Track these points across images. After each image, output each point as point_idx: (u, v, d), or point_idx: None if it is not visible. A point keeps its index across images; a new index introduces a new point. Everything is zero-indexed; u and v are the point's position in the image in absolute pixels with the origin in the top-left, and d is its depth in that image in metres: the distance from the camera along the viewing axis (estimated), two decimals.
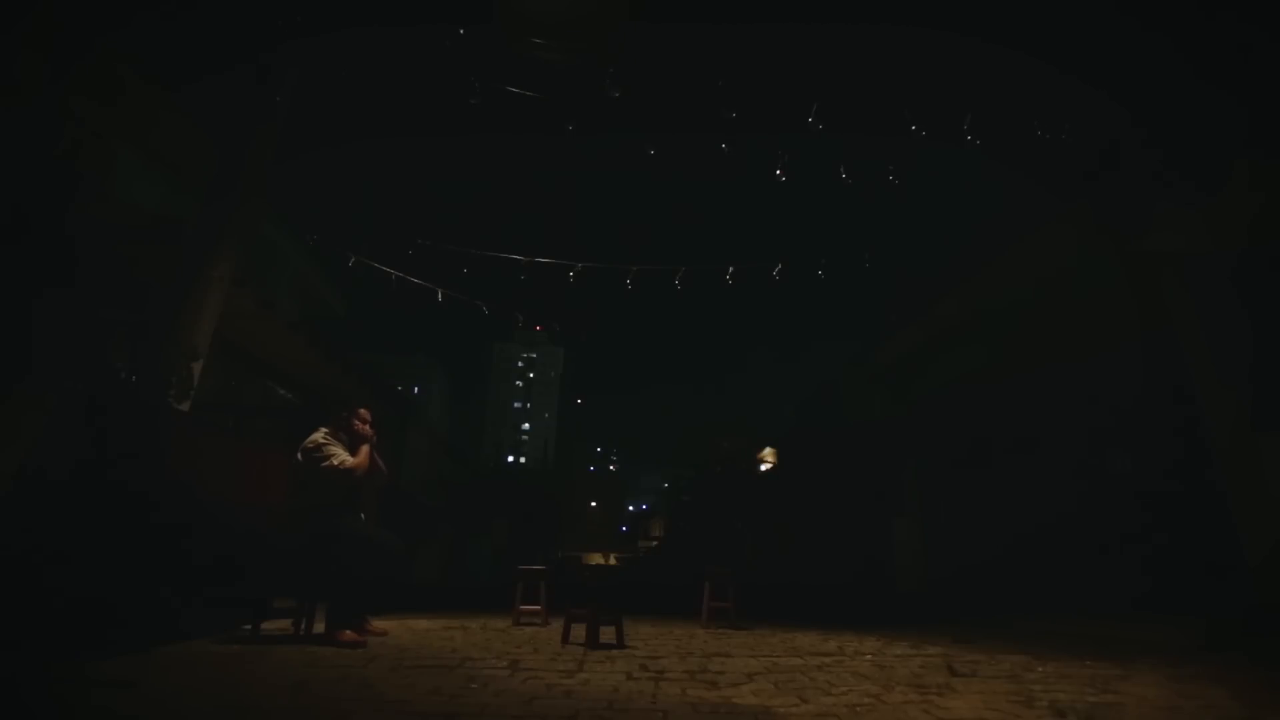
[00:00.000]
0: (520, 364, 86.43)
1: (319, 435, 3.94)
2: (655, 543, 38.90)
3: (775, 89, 5.70)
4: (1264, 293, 4.75)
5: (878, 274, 7.97)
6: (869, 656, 3.51)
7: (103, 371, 3.80)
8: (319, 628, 3.69)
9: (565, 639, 3.94)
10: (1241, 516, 4.63)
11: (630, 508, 61.23)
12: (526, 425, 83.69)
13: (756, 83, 5.69)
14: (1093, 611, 5.48)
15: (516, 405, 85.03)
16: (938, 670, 3.01)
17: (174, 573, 3.35)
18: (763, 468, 17.46)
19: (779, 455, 16.98)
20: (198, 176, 5.21)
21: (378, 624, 4.01)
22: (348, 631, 3.47)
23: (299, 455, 3.87)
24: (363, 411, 4.18)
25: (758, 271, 7.73)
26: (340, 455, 3.87)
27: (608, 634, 3.87)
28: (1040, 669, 3.07)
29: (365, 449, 4.03)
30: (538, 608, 5.17)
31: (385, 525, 4.43)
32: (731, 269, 7.67)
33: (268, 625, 3.85)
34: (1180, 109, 5.10)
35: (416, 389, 47.04)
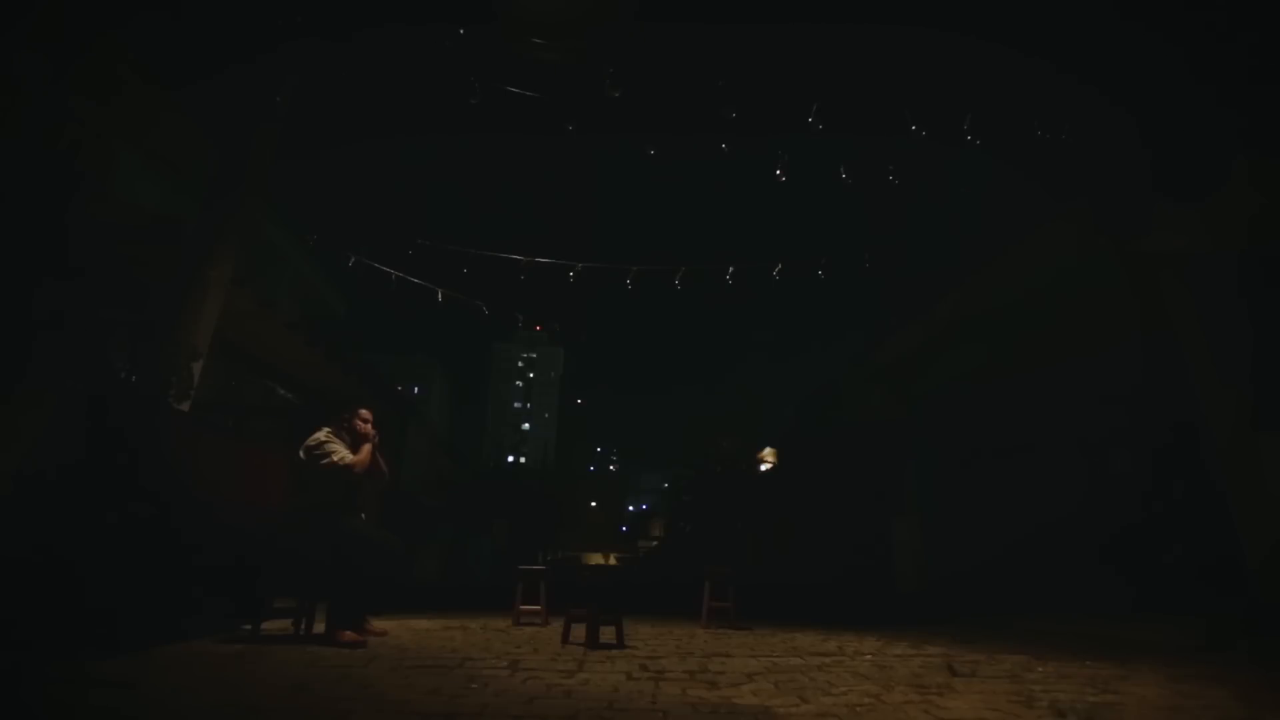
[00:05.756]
0: (520, 364, 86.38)
1: (321, 434, 3.94)
2: (655, 543, 38.90)
3: (775, 89, 5.71)
4: (1264, 293, 4.75)
5: (879, 273, 7.97)
6: (869, 656, 3.51)
7: (103, 371, 3.80)
8: (319, 628, 3.69)
9: (565, 639, 3.94)
10: (1241, 516, 4.63)
11: (630, 508, 61.22)
12: (526, 425, 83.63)
13: (756, 83, 5.69)
14: (1093, 611, 5.48)
15: (516, 405, 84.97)
16: (938, 670, 3.01)
17: (174, 572, 3.35)
18: (763, 468, 17.46)
19: (779, 455, 16.98)
20: (198, 176, 5.21)
21: (378, 624, 4.00)
22: (348, 631, 3.47)
23: (300, 453, 3.88)
24: (364, 412, 4.18)
25: (758, 271, 7.73)
26: (340, 452, 3.88)
27: (608, 634, 3.87)
28: (1040, 669, 3.06)
29: (367, 448, 4.04)
30: (538, 608, 5.17)
31: (385, 525, 4.43)
32: (731, 269, 7.68)
33: (268, 625, 3.85)
34: (1180, 109, 5.10)
35: (416, 389, 46.96)
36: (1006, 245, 7.12)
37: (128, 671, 2.45)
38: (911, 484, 9.63)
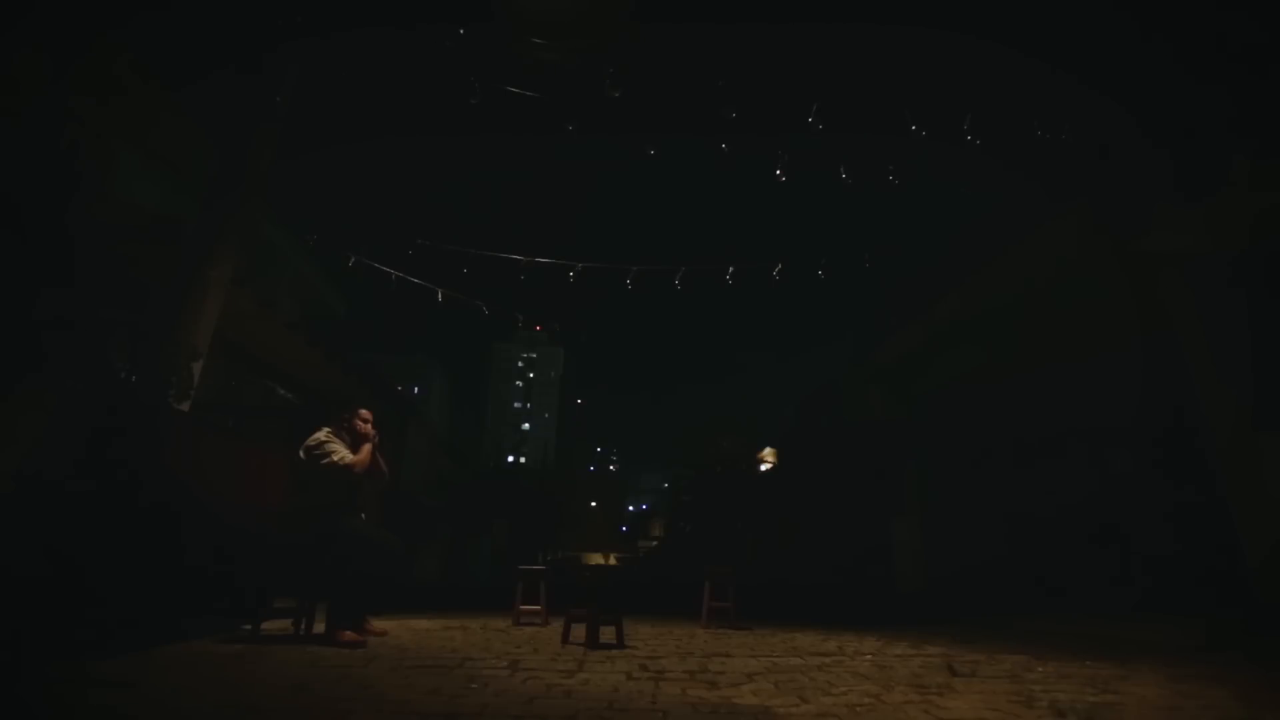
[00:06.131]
0: (520, 364, 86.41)
1: (321, 434, 3.94)
2: (655, 543, 38.91)
3: (775, 89, 5.71)
4: (1264, 293, 4.75)
5: (879, 273, 7.97)
6: (869, 656, 3.51)
7: (103, 371, 3.80)
8: (319, 628, 3.69)
9: (565, 639, 3.94)
10: (1241, 516, 4.63)
11: (630, 508, 61.23)
12: (526, 425, 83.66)
13: (756, 83, 5.69)
14: (1093, 611, 5.48)
15: (516, 405, 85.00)
16: (938, 670, 3.01)
17: (174, 572, 3.35)
18: (763, 468, 17.46)
19: (779, 455, 16.98)
20: (198, 176, 5.21)
21: (378, 624, 4.00)
22: (348, 631, 3.47)
23: (301, 453, 3.88)
24: (364, 412, 4.18)
25: (758, 271, 7.73)
26: (341, 452, 3.88)
27: (608, 634, 3.87)
28: (1040, 669, 3.06)
29: (367, 447, 4.04)
30: (538, 608, 5.17)
31: (385, 525, 4.43)
32: (731, 269, 7.68)
33: (268, 625, 3.85)
34: (1180, 109, 5.10)
35: (416, 389, 46.98)
36: (1006, 245, 7.13)
37: (128, 671, 2.45)
38: (911, 484, 9.63)
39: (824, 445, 12.99)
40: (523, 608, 5.16)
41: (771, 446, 17.42)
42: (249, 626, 3.73)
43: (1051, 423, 7.16)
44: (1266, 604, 4.19)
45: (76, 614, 2.76)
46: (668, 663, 3.14)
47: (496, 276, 7.62)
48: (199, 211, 4.89)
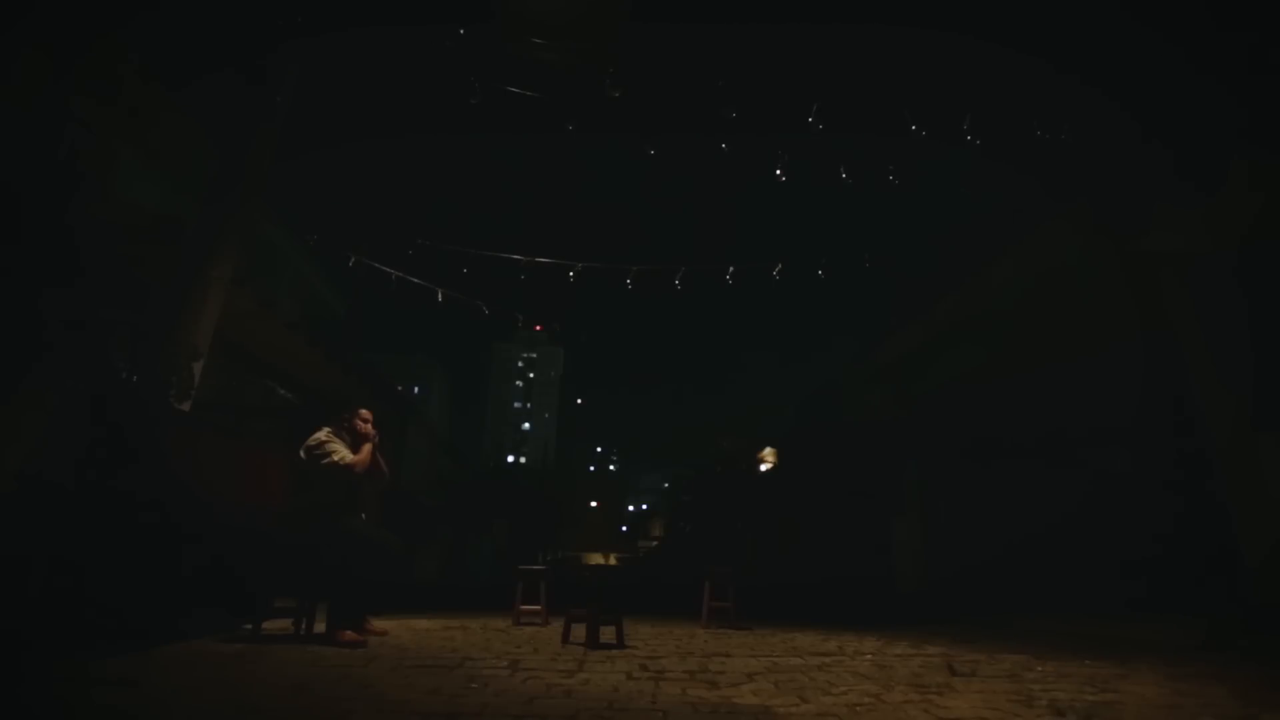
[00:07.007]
0: (520, 364, 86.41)
1: (322, 434, 3.95)
2: (655, 543, 38.92)
3: (775, 89, 5.71)
4: (1264, 293, 4.75)
5: (878, 274, 7.98)
6: (869, 656, 3.51)
7: (103, 371, 3.80)
8: (319, 628, 3.69)
9: (565, 639, 3.94)
10: (1241, 516, 4.63)
11: (630, 508, 61.23)
12: (526, 425, 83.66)
13: (756, 83, 5.69)
14: (1092, 611, 5.48)
15: (516, 405, 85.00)
16: (938, 670, 3.01)
17: (174, 573, 3.36)
18: (763, 468, 17.45)
19: (779, 455, 16.97)
20: (198, 176, 5.21)
21: (378, 624, 4.00)
22: (348, 631, 3.47)
23: (301, 453, 3.88)
24: (364, 412, 4.19)
25: (758, 271, 7.74)
26: (341, 451, 3.88)
27: (608, 634, 3.87)
28: (1040, 668, 3.07)
29: (367, 447, 4.04)
30: (538, 608, 5.18)
31: (385, 525, 4.43)
32: (732, 269, 7.68)
33: (268, 625, 3.85)
34: (1180, 108, 5.10)
35: (416, 389, 46.96)
36: (1006, 245, 7.13)
37: (129, 671, 2.45)
38: (911, 484, 9.63)
39: (824, 445, 12.98)
40: (523, 608, 5.16)
41: (771, 446, 17.40)
42: (249, 626, 3.73)
43: (1051, 422, 7.15)
44: (1266, 604, 4.19)
45: (77, 614, 2.76)
46: (668, 663, 3.14)
47: (496, 276, 7.63)
48: (199, 211, 4.90)
